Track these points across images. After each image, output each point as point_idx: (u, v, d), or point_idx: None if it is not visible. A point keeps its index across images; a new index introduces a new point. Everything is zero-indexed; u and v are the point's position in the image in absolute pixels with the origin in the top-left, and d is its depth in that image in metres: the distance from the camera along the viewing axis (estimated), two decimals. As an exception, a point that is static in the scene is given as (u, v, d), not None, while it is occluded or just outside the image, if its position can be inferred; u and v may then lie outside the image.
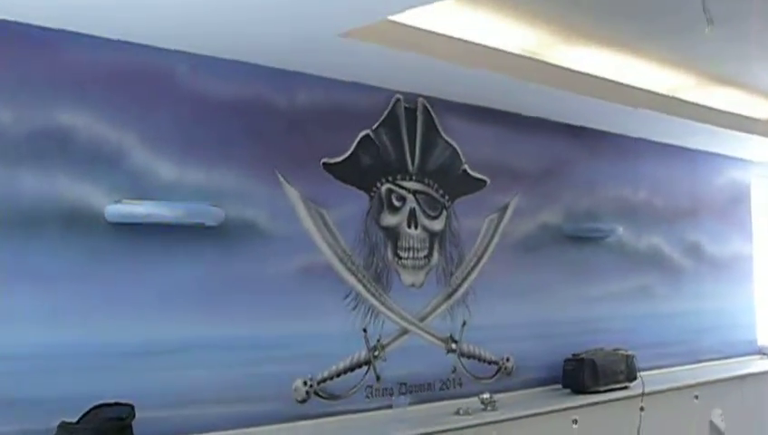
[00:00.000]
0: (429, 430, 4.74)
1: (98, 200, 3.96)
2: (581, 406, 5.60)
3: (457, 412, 5.06)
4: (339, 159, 4.90)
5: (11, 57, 3.77)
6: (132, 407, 3.73)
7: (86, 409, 3.67)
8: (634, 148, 6.81)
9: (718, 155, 7.64)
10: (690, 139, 7.00)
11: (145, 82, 4.21)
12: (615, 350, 6.08)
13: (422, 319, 5.23)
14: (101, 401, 3.72)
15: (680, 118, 6.34)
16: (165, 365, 4.15)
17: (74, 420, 3.63)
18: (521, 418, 5.18)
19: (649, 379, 6.26)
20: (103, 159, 4.00)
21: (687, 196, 7.36)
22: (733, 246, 7.85)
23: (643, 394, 5.92)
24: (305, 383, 4.65)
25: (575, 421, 5.50)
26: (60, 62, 3.91)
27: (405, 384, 5.11)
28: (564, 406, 5.51)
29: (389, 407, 4.93)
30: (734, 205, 7.94)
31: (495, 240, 5.69)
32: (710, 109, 6.62)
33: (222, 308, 4.38)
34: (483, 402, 5.18)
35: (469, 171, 5.55)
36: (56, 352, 3.79)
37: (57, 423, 3.59)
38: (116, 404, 3.74)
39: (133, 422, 3.70)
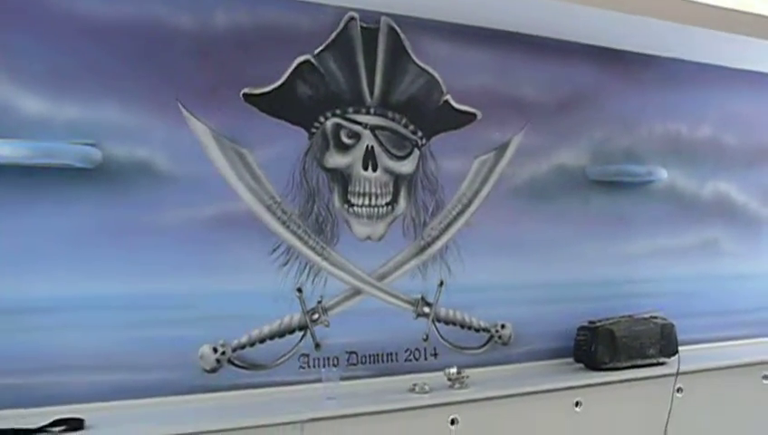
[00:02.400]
0: (360, 410, 3.94)
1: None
2: (588, 385, 4.62)
3: (413, 389, 4.23)
4: (266, 90, 4.16)
5: None
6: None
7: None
8: (693, 74, 5.66)
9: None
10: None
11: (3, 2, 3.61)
12: (648, 318, 5.03)
13: (381, 278, 4.45)
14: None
15: (748, 36, 5.16)
16: (25, 326, 3.62)
17: None
18: (494, 398, 4.27)
19: (702, 354, 5.22)
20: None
21: (774, 133, 6.12)
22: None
23: (678, 373, 4.86)
24: (215, 350, 3.99)
25: (577, 404, 4.53)
26: None
27: (355, 354, 4.38)
28: (563, 385, 4.56)
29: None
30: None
31: (489, 185, 4.81)
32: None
33: (102, 262, 3.81)
34: (449, 378, 4.34)
35: (452, 103, 4.65)
36: None
37: None
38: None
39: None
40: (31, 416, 3.48)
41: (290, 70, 4.23)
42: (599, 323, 4.86)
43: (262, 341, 4.12)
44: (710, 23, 4.86)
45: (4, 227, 3.60)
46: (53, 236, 3.69)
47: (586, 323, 4.89)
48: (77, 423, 3.42)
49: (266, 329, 4.14)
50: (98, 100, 3.79)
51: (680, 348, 5.03)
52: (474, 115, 4.72)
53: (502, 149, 4.84)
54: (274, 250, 4.17)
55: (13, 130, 3.61)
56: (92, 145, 3.75)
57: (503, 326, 4.79)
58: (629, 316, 5.01)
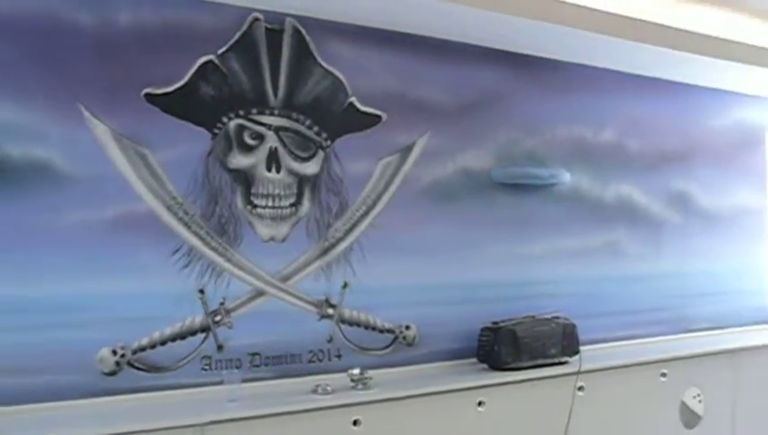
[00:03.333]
0: (262, 412, 3.93)
1: None
2: (491, 385, 4.67)
3: (315, 390, 4.23)
4: (168, 90, 4.12)
5: None
6: None
7: None
8: (597, 80, 5.77)
9: (720, 90, 6.49)
10: (674, 71, 5.91)
11: None
12: (550, 318, 5.11)
13: (285, 279, 4.44)
14: None
15: (651, 45, 5.28)
16: None
17: None
18: (397, 399, 4.30)
19: (603, 353, 5.34)
20: None
21: (675, 138, 6.28)
22: (737, 197, 6.73)
23: (579, 372, 4.95)
24: (114, 353, 3.93)
25: (480, 403, 4.58)
26: None
27: (258, 355, 4.36)
28: (466, 385, 4.61)
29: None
30: (743, 149, 6.79)
31: (394, 187, 4.83)
32: (701, 35, 5.57)
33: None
34: (352, 379, 4.35)
35: (357, 105, 4.66)
36: None
37: None
38: None
39: None
40: None
41: (193, 70, 4.19)
42: (502, 324, 4.92)
43: (163, 343, 4.08)
44: (611, 30, 4.98)
45: None
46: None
47: (489, 324, 4.93)
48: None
49: (168, 331, 4.10)
50: (-7, 98, 3.69)
51: (582, 347, 5.13)
52: (378, 117, 4.74)
53: (406, 151, 4.86)
54: (176, 251, 4.13)
55: None
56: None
57: (407, 327, 4.82)
58: (532, 317, 5.08)
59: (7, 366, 3.69)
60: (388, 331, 4.77)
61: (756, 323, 6.76)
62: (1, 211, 3.73)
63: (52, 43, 3.87)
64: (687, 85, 6.25)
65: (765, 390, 6.04)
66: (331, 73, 4.58)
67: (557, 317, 5.14)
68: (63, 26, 3.90)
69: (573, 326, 5.12)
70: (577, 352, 5.11)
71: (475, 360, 4.96)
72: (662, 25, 5.28)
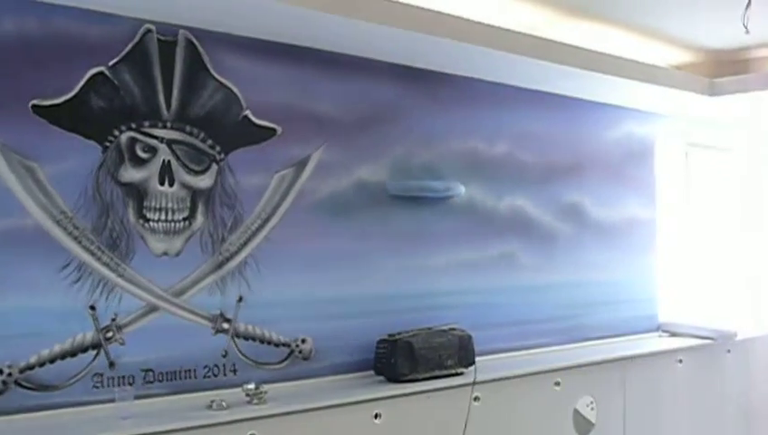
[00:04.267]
0: (155, 429, 3.86)
1: None
2: (387, 397, 4.69)
3: (210, 406, 4.18)
4: (57, 102, 4.03)
5: None
6: None
7: None
8: (491, 94, 5.85)
9: (610, 105, 6.65)
10: (565, 85, 6.03)
11: None
12: (446, 330, 5.15)
13: (178, 294, 4.38)
14: None
15: (540, 60, 5.38)
16: None
17: None
18: (292, 413, 4.28)
19: (498, 363, 5.40)
20: None
21: (567, 151, 6.41)
22: (628, 209, 6.92)
23: (474, 383, 5.00)
24: (1, 372, 3.81)
25: (377, 416, 4.59)
26: None
27: (152, 371, 4.28)
28: (362, 397, 4.62)
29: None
30: (633, 162, 6.98)
31: (289, 200, 4.80)
32: (591, 51, 5.70)
33: None
34: (247, 394, 4.31)
35: (252, 118, 4.64)
36: None
37: None
38: None
39: None
40: None
41: (83, 81, 4.10)
42: (398, 336, 4.94)
43: (52, 361, 3.98)
44: (502, 44, 5.05)
45: None
46: None
47: (386, 337, 4.95)
48: None
49: (57, 348, 4.00)
50: None
51: (477, 358, 5.18)
52: (273, 130, 4.72)
53: (301, 164, 4.86)
54: (65, 267, 4.04)
55: None
56: None
57: (303, 341, 4.81)
58: (429, 328, 5.11)
59: None
60: (284, 344, 4.75)
61: (647, 331, 6.94)
62: None
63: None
64: (579, 100, 6.39)
65: (654, 396, 6.20)
66: (225, 86, 4.55)
67: (453, 329, 5.19)
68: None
69: (469, 337, 5.17)
70: (473, 362, 5.16)
71: (372, 372, 4.96)
72: (551, 40, 5.39)
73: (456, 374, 5.11)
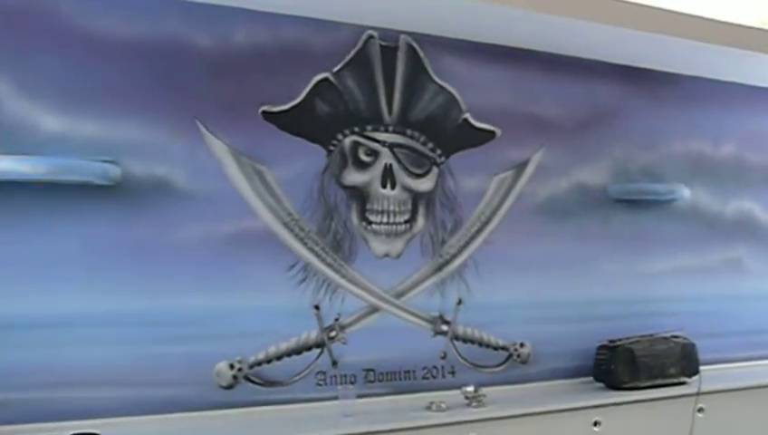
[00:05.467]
0: (377, 428, 3.93)
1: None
2: (608, 405, 4.57)
3: (429, 407, 4.22)
4: (285, 108, 4.18)
5: None
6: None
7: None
8: (715, 93, 5.61)
9: None
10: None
11: (21, 22, 3.67)
12: (668, 337, 4.98)
13: (399, 295, 4.43)
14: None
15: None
16: (43, 341, 3.63)
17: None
18: (512, 417, 4.25)
19: (723, 374, 5.18)
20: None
21: (799, 152, 6.05)
22: None
23: (699, 393, 4.81)
24: (231, 367, 3.99)
25: (596, 423, 4.50)
26: None
27: (373, 371, 4.36)
28: (582, 404, 4.53)
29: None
30: None
31: (508, 203, 4.79)
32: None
33: (120, 278, 3.83)
34: (466, 397, 4.32)
35: (472, 121, 4.64)
36: None
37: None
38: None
39: None
40: (48, 430, 3.50)
41: (308, 88, 4.24)
42: (619, 343, 4.82)
43: (279, 358, 4.12)
44: (730, 41, 4.83)
45: (26, 243, 3.63)
46: (73, 252, 3.72)
47: (606, 343, 4.86)
48: (93, 438, 3.42)
49: (283, 346, 4.14)
50: (117, 117, 3.82)
51: (702, 368, 4.97)
52: (493, 133, 4.71)
53: (521, 167, 4.83)
54: (292, 267, 4.17)
55: (33, 148, 3.64)
56: (112, 162, 3.76)
57: (521, 345, 4.77)
58: (650, 335, 4.97)
59: (129, 378, 3.78)
60: (503, 348, 4.72)
61: None
62: (122, 227, 3.83)
63: (172, 64, 3.96)
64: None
65: None
66: (445, 90, 4.58)
67: (676, 336, 5.02)
68: (183, 48, 3.99)
69: (693, 346, 4.98)
70: (697, 372, 4.96)
71: (590, 378, 4.88)
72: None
73: (679, 384, 4.92)
